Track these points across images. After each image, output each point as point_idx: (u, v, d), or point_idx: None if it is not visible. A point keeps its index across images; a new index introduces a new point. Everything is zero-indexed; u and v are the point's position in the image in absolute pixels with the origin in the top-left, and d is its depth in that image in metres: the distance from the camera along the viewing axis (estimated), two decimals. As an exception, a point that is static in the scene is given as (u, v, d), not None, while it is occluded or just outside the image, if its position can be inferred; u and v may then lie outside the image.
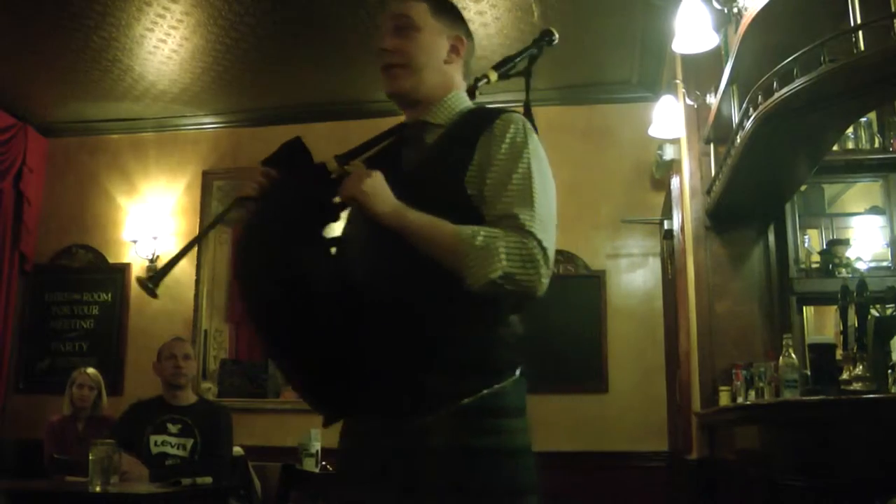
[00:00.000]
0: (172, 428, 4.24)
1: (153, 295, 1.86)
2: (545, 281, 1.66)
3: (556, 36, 2.10)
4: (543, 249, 1.65)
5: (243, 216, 1.85)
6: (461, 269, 1.63)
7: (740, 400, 3.88)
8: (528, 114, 1.91)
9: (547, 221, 1.71)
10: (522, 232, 1.66)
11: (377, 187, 1.71)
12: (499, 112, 1.83)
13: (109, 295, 6.74)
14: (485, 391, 1.67)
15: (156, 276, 1.83)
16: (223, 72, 6.03)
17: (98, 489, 3.47)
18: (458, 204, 1.72)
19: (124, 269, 6.75)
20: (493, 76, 1.99)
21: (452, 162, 1.77)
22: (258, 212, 1.82)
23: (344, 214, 1.86)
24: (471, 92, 1.99)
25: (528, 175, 1.73)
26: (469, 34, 1.99)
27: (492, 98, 6.31)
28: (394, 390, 1.68)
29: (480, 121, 1.82)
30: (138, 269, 6.72)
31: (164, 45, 5.66)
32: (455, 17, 1.97)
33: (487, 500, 1.64)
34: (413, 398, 1.67)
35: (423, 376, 1.66)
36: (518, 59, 2.04)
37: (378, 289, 1.72)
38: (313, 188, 1.82)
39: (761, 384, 3.67)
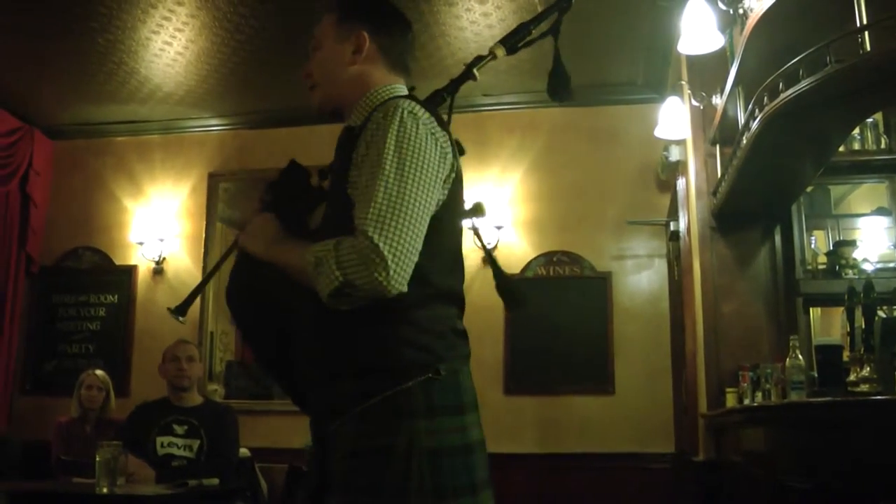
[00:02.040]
0: (178, 429, 4.25)
1: (180, 320, 2.12)
2: (392, 274, 1.58)
3: None
4: (375, 245, 1.58)
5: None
6: (314, 288, 1.65)
7: (747, 401, 3.87)
8: (558, 76, 1.99)
9: (387, 212, 1.62)
10: (356, 233, 1.62)
11: (256, 229, 1.89)
12: (388, 102, 1.78)
13: (116, 297, 6.75)
14: (384, 393, 1.65)
15: (181, 306, 2.06)
16: (228, 74, 6.04)
17: (105, 490, 3.48)
18: (347, 208, 1.70)
19: (130, 270, 6.76)
20: (501, 51, 1.94)
21: (340, 166, 1.80)
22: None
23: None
24: (468, 70, 1.94)
25: (378, 164, 1.66)
26: (382, 25, 1.97)
27: (498, 99, 6.33)
28: (314, 397, 1.80)
29: (373, 113, 1.78)
30: (144, 270, 6.73)
31: (169, 48, 5.67)
32: (361, 17, 1.96)
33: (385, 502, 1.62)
34: (326, 403, 1.74)
35: (335, 382, 1.72)
36: (532, 26, 2.00)
37: (294, 302, 1.81)
38: (303, 205, 1.95)
39: (768, 386, 3.67)
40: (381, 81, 1.90)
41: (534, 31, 2.00)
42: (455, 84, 1.93)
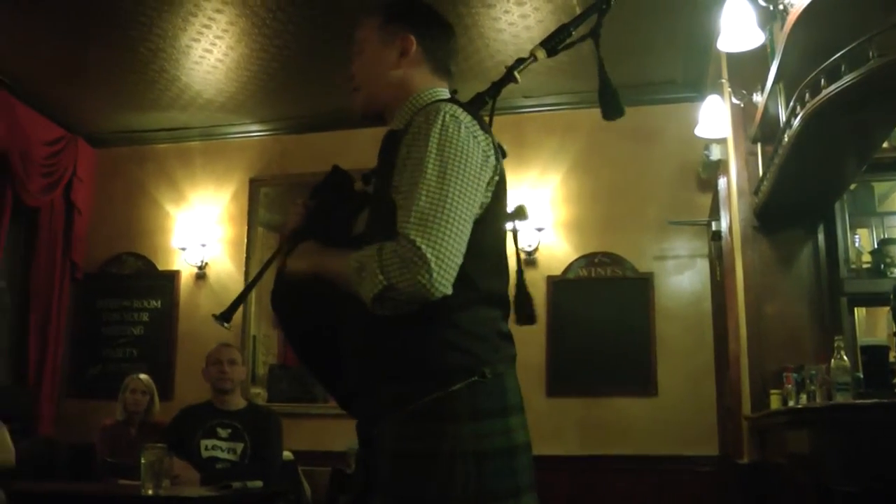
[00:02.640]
0: (222, 432, 4.28)
1: (225, 326, 2.07)
2: (436, 277, 1.57)
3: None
4: (417, 248, 1.57)
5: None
6: (358, 295, 1.66)
7: (791, 403, 3.82)
8: (606, 95, 1.97)
9: (430, 215, 1.61)
10: (397, 237, 1.61)
11: (299, 251, 1.90)
12: (430, 105, 1.79)
13: (159, 301, 6.84)
14: (430, 396, 1.64)
15: (226, 312, 2.03)
16: (268, 80, 6.09)
17: (150, 493, 3.52)
18: (390, 212, 1.69)
19: (173, 275, 6.85)
20: (541, 53, 1.93)
21: (384, 170, 1.79)
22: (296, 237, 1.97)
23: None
24: (509, 73, 1.93)
25: (420, 167, 1.66)
26: (427, 28, 1.96)
27: (538, 101, 6.31)
28: (359, 400, 1.80)
29: (415, 119, 1.77)
30: (187, 275, 6.81)
31: (209, 55, 5.74)
32: (406, 19, 1.95)
33: None
34: (371, 407, 1.74)
35: (380, 384, 1.72)
36: (572, 28, 1.98)
37: (340, 307, 1.82)
38: (347, 210, 1.95)
39: (812, 387, 3.61)
40: (424, 85, 1.90)
41: (574, 33, 1.99)
42: (496, 87, 1.92)
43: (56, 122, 6.76)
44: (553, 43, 1.95)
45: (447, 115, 1.70)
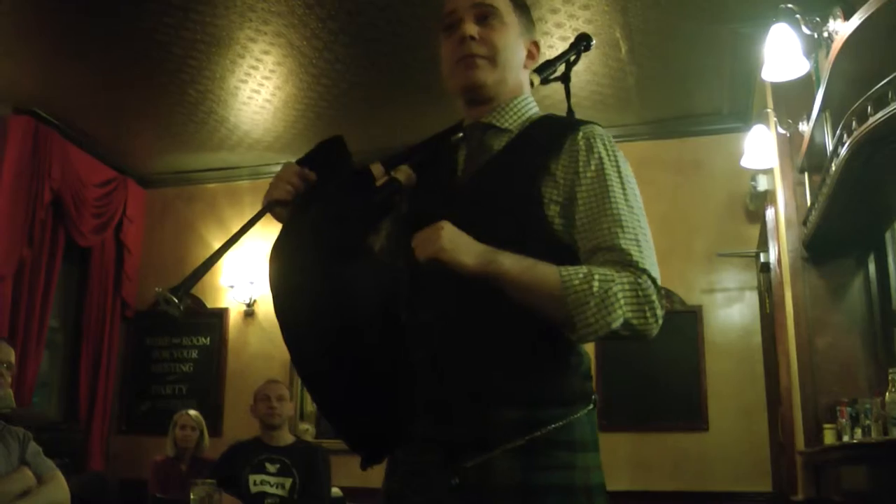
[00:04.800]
0: (271, 468, 4.30)
1: (177, 312, 1.53)
2: (660, 319, 1.51)
3: (594, 41, 1.97)
4: (658, 289, 1.50)
5: (280, 221, 1.69)
6: (573, 318, 1.45)
7: (846, 438, 3.73)
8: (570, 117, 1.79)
9: (652, 252, 1.55)
10: (635, 270, 1.50)
11: (457, 239, 1.51)
12: (579, 122, 1.67)
13: (208, 339, 6.91)
14: (556, 423, 1.50)
15: (179, 287, 1.53)
16: (315, 118, 6.16)
17: (198, 528, 3.53)
18: (530, 217, 1.57)
19: (222, 313, 6.92)
20: (536, 80, 1.84)
21: (527, 171, 1.61)
22: (291, 225, 1.66)
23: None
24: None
25: (625, 199, 1.56)
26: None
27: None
28: (459, 423, 1.52)
29: (560, 129, 1.66)
30: (235, 313, 6.87)
31: (257, 96, 5.83)
32: (531, 21, 1.82)
33: None
34: (480, 431, 1.50)
35: (492, 408, 1.50)
36: (558, 63, 1.91)
37: (444, 314, 1.58)
38: (353, 196, 1.66)
39: (867, 422, 3.53)
40: (527, 91, 1.80)
41: (557, 68, 1.92)
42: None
43: (107, 164, 6.91)
44: (546, 74, 1.89)
45: (609, 140, 1.63)
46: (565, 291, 1.46)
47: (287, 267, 1.63)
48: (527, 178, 1.60)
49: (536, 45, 1.82)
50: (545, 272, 1.48)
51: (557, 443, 1.50)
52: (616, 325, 1.45)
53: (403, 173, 1.67)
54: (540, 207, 1.57)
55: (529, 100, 1.77)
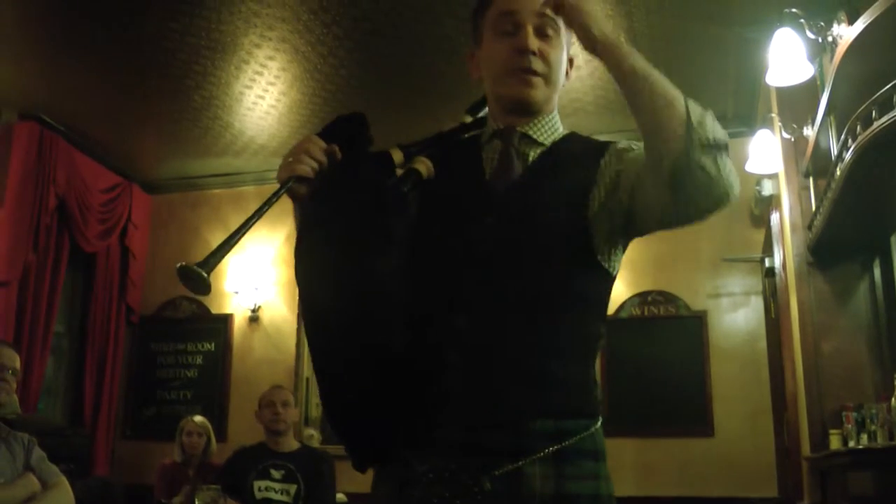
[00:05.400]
0: (276, 474, 4.29)
1: (206, 288, 1.39)
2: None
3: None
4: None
5: (297, 199, 1.58)
6: (675, 126, 1.40)
7: (852, 444, 3.72)
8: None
9: None
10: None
11: (596, 10, 1.51)
12: (607, 142, 1.66)
13: (213, 344, 6.91)
14: (583, 434, 1.50)
15: (207, 261, 1.40)
16: (320, 124, 6.04)
17: (203, 534, 3.54)
18: (574, 228, 1.55)
19: (227, 319, 6.93)
20: (468, 118, 1.76)
21: (572, 183, 1.59)
22: (318, 209, 1.56)
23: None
24: (475, 124, 1.77)
25: None
26: None
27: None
28: (494, 431, 1.49)
29: (596, 146, 1.66)
30: (240, 318, 6.88)
31: (262, 101, 5.84)
32: (571, 36, 1.70)
33: None
34: (514, 439, 1.48)
35: (528, 417, 1.48)
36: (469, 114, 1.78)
37: (482, 321, 1.52)
38: (383, 184, 1.56)
39: (873, 427, 3.52)
40: (557, 107, 1.75)
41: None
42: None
43: (112, 170, 6.92)
44: (475, 112, 1.78)
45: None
46: (675, 92, 1.44)
47: (321, 258, 1.55)
48: (572, 190, 1.58)
49: (572, 62, 1.75)
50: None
51: (585, 452, 1.51)
52: (721, 138, 1.40)
53: (424, 165, 1.58)
54: (584, 219, 1.55)
55: (558, 117, 1.73)
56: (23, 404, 5.19)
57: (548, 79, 1.65)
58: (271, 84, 5.59)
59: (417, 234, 1.60)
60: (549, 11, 1.59)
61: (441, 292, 1.57)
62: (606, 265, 1.58)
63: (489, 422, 1.49)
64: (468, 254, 1.55)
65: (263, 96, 5.76)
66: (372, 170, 1.57)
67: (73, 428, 6.32)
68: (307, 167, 1.52)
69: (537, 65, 1.62)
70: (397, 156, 1.59)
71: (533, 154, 1.65)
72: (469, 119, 1.71)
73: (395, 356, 1.53)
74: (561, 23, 1.63)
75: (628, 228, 1.57)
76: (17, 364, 3.52)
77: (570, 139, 1.70)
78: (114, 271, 6.90)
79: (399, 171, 1.58)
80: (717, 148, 1.39)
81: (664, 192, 1.43)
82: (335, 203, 1.53)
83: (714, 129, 1.40)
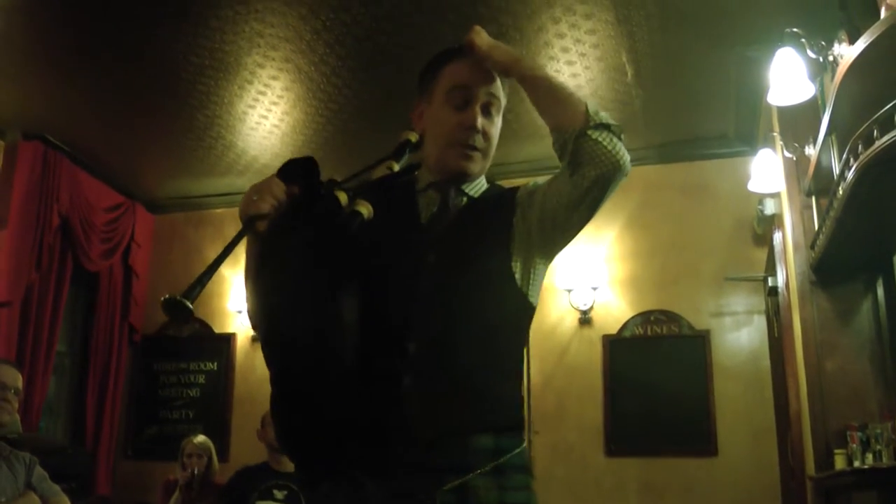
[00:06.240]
0: (278, 494, 4.28)
1: (187, 318, 1.56)
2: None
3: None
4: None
5: (256, 234, 1.66)
6: (577, 110, 1.68)
7: (857, 464, 3.70)
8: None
9: None
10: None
11: (499, 44, 1.82)
12: (515, 187, 1.89)
13: (215, 364, 6.91)
14: (516, 450, 1.71)
15: (188, 291, 1.53)
16: (323, 143, 6.18)
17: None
18: (497, 263, 1.78)
19: (229, 338, 6.92)
20: (395, 166, 1.84)
21: (494, 226, 1.81)
22: (276, 241, 1.65)
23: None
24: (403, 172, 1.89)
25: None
26: None
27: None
28: (443, 450, 1.66)
29: (510, 190, 1.89)
30: (243, 338, 6.87)
31: (265, 121, 5.86)
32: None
33: None
34: (461, 456, 1.66)
35: (473, 436, 1.68)
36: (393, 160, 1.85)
37: (430, 350, 1.70)
38: (330, 217, 1.68)
39: (878, 447, 3.51)
40: None
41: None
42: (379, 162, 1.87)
43: (116, 189, 6.94)
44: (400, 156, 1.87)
45: None
46: (570, 90, 1.76)
47: (282, 285, 1.65)
48: (497, 232, 1.80)
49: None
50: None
51: (517, 466, 1.70)
52: (614, 123, 1.68)
53: (366, 207, 1.69)
54: (508, 254, 1.78)
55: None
56: (24, 423, 5.18)
57: (486, 153, 1.86)
58: (274, 104, 5.61)
59: (364, 269, 1.74)
60: (495, 90, 1.84)
61: (391, 322, 1.73)
62: (529, 296, 1.80)
63: (443, 442, 1.66)
64: (413, 288, 1.75)
65: (266, 115, 5.78)
66: (324, 209, 1.70)
67: (75, 447, 6.30)
68: (269, 205, 1.65)
69: (479, 142, 1.83)
70: (343, 197, 1.71)
71: (462, 202, 1.87)
72: (396, 167, 1.82)
73: (345, 379, 1.66)
74: (502, 97, 1.86)
75: (544, 236, 1.79)
76: (20, 383, 3.53)
77: (491, 189, 1.93)
78: (116, 290, 6.91)
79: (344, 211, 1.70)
80: (609, 128, 1.66)
81: (566, 172, 1.70)
82: (294, 237, 1.65)
83: (607, 117, 1.68)
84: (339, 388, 1.65)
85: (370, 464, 1.67)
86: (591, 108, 1.67)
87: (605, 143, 1.65)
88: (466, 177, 1.86)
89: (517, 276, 1.78)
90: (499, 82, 1.86)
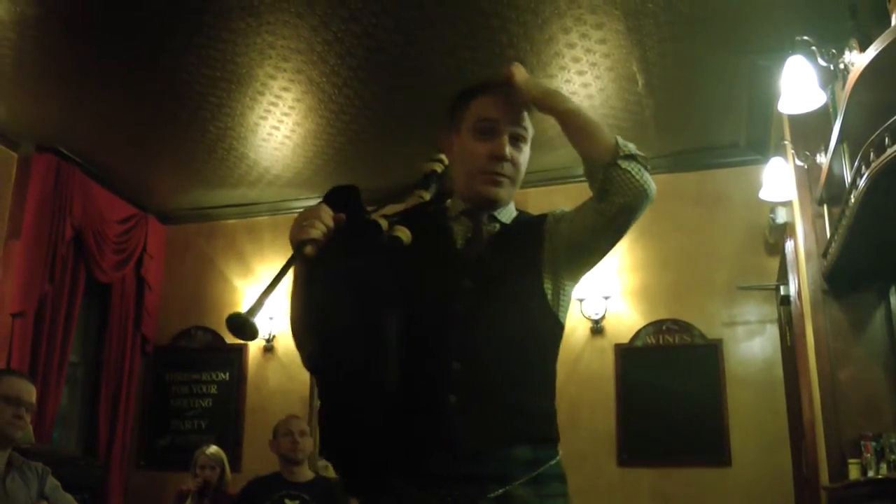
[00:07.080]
0: (290, 504, 4.28)
1: (253, 333, 1.62)
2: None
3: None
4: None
5: (306, 259, 1.69)
6: (607, 143, 1.79)
7: (871, 473, 3.68)
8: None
9: None
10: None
11: (534, 79, 1.98)
12: (545, 214, 2.00)
13: (227, 374, 6.92)
14: (553, 460, 1.81)
15: (252, 310, 1.61)
16: (335, 154, 6.20)
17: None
18: (532, 285, 1.88)
19: (241, 349, 6.93)
20: (426, 196, 1.94)
21: (527, 250, 1.92)
22: (328, 266, 1.71)
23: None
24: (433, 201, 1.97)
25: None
26: None
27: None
28: (485, 460, 1.75)
29: (539, 217, 2.00)
30: (255, 349, 6.88)
31: (277, 132, 5.87)
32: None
33: None
34: (502, 467, 1.75)
35: (514, 448, 1.77)
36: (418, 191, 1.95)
37: (471, 363, 1.80)
38: (376, 243, 1.77)
39: (893, 456, 3.49)
40: None
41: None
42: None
43: (128, 201, 6.98)
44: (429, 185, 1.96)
45: None
46: (598, 122, 1.87)
47: (335, 308, 1.74)
48: (528, 256, 1.91)
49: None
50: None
51: (555, 476, 1.81)
52: (641, 155, 1.78)
53: (404, 233, 1.77)
54: (539, 278, 1.89)
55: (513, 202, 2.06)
56: (37, 434, 5.20)
57: (514, 180, 1.96)
58: (286, 115, 5.63)
59: (406, 293, 1.81)
60: (523, 121, 1.95)
61: (434, 343, 1.82)
62: (559, 315, 1.90)
63: (485, 453, 1.75)
64: (453, 311, 1.84)
65: (278, 127, 5.80)
66: (370, 234, 1.78)
67: (88, 458, 6.31)
68: (317, 231, 1.70)
69: (508, 170, 1.93)
70: (383, 223, 1.79)
71: (494, 229, 1.97)
72: (427, 196, 1.92)
73: (390, 397, 1.75)
74: (531, 127, 1.97)
75: (572, 259, 1.90)
76: (34, 398, 3.53)
77: (521, 216, 2.03)
78: (129, 301, 6.93)
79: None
80: (637, 159, 1.77)
81: (594, 199, 1.81)
82: (346, 262, 1.73)
83: (634, 148, 1.78)
84: (384, 404, 1.75)
85: (414, 474, 1.77)
86: (621, 140, 1.78)
87: (633, 173, 1.75)
88: (496, 203, 1.96)
89: (549, 297, 1.88)
90: (526, 114, 1.96)
